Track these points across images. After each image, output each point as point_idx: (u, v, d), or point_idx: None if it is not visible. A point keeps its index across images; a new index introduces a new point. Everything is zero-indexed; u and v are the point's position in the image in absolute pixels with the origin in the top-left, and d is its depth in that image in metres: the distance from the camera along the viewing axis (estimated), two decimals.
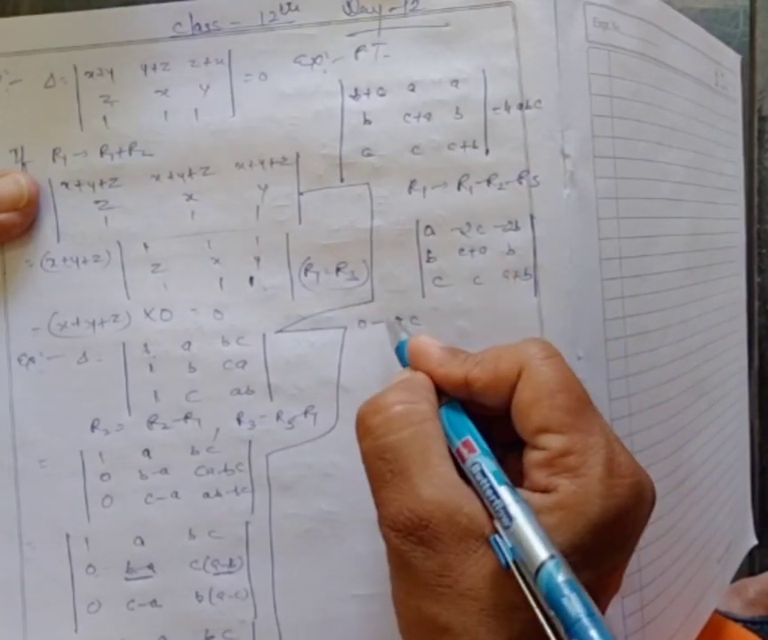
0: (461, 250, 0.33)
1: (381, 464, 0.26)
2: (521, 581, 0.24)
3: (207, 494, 0.33)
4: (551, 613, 0.23)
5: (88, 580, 0.33)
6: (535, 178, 0.32)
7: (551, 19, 0.33)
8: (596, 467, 0.25)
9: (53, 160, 0.33)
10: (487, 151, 0.33)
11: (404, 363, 0.31)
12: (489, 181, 0.32)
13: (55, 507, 0.33)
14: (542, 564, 0.23)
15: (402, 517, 0.25)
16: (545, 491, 0.25)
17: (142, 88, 0.33)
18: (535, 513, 0.25)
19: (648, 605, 0.35)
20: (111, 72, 0.33)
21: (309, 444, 0.33)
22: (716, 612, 0.43)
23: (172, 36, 0.33)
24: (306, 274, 0.33)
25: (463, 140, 0.33)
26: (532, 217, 0.32)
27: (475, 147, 0.33)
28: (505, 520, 0.24)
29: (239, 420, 0.33)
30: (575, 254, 0.33)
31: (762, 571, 0.51)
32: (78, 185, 0.34)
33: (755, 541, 0.48)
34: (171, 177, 0.33)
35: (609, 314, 0.34)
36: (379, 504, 0.27)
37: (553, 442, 0.26)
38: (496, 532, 0.25)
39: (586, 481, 0.25)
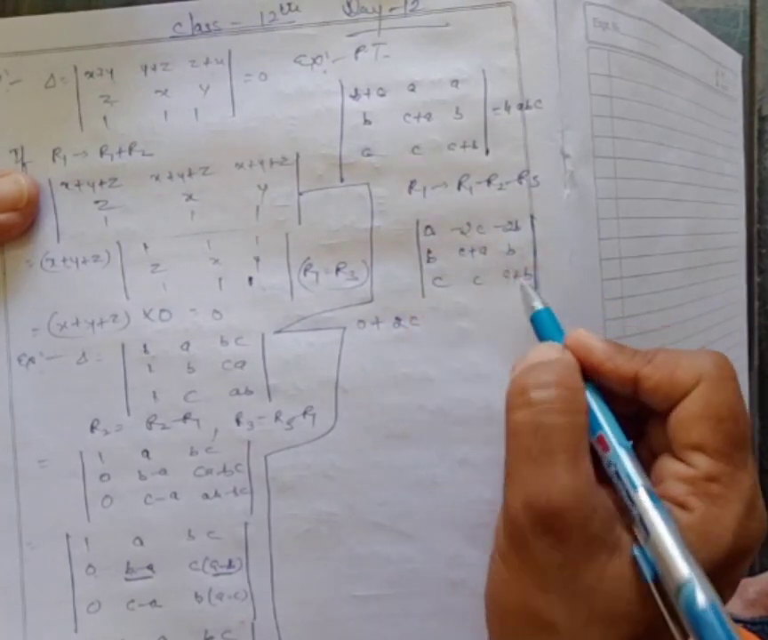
0: (461, 250, 0.33)
1: (533, 440, 0.26)
2: (656, 595, 0.23)
3: (206, 495, 0.33)
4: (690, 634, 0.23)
5: (88, 580, 0.33)
6: (535, 178, 0.32)
7: (551, 19, 0.33)
8: (737, 503, 0.25)
9: (53, 160, 0.34)
10: (487, 151, 0.32)
11: (540, 334, 0.30)
12: (489, 181, 0.32)
13: (55, 507, 0.33)
14: (685, 583, 0.23)
15: (540, 500, 0.25)
16: (680, 506, 0.25)
17: (142, 88, 0.33)
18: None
19: None
20: (111, 72, 0.33)
21: (308, 444, 0.33)
22: None
23: (172, 36, 0.33)
24: (305, 274, 0.33)
25: (463, 139, 0.33)
26: (532, 217, 0.32)
27: (475, 147, 0.33)
28: (643, 532, 0.24)
29: (238, 421, 0.33)
30: (575, 254, 0.33)
31: (762, 571, 0.51)
32: (78, 185, 0.34)
33: None
34: (170, 177, 0.33)
35: (609, 314, 0.34)
36: (516, 477, 0.26)
37: (702, 463, 0.25)
38: (636, 541, 0.24)
39: (724, 513, 0.25)
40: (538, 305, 0.31)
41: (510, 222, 0.32)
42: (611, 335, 0.34)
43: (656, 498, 0.25)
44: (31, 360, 0.34)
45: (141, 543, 0.33)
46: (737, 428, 0.26)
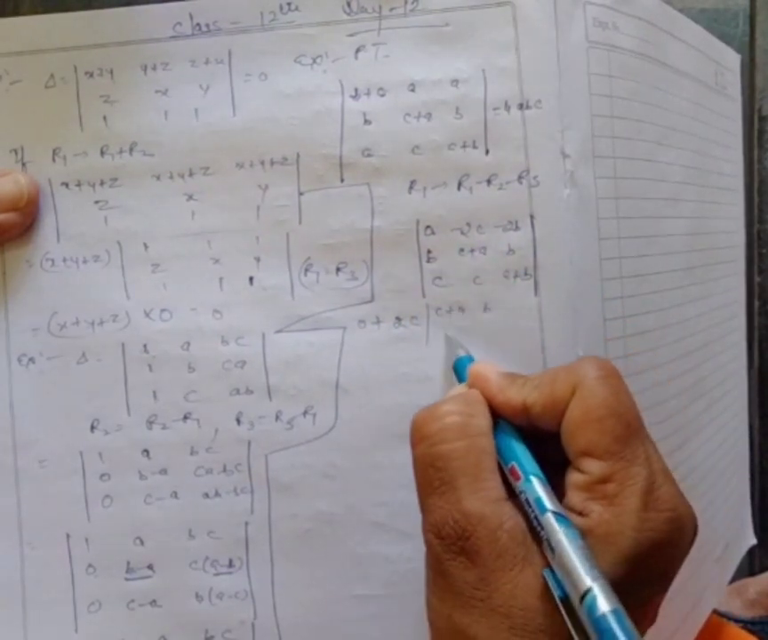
0: (461, 250, 0.33)
1: (432, 472, 0.27)
2: (564, 613, 0.24)
3: (206, 495, 0.33)
4: None
5: (88, 580, 0.33)
6: (535, 178, 0.32)
7: (551, 19, 0.33)
8: (633, 498, 0.25)
9: (53, 160, 0.33)
10: (487, 151, 0.33)
11: (460, 379, 0.31)
12: (489, 181, 0.32)
13: (55, 507, 0.33)
14: (586, 592, 0.23)
15: (446, 526, 0.26)
16: (579, 514, 0.26)
17: (142, 88, 0.33)
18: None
19: None
20: (111, 72, 0.33)
21: (308, 444, 0.33)
22: (717, 612, 0.43)
23: (172, 36, 0.33)
24: (306, 274, 0.33)
25: (463, 140, 0.33)
26: (531, 217, 0.32)
27: (475, 147, 0.33)
28: (549, 552, 0.25)
29: (238, 421, 0.33)
30: (575, 254, 0.33)
31: (762, 571, 0.51)
32: (78, 185, 0.34)
33: (753, 541, 0.48)
34: (171, 177, 0.33)
35: (609, 314, 0.34)
36: (425, 510, 0.27)
37: (594, 467, 0.26)
38: (548, 563, 0.25)
39: (620, 510, 0.25)
40: (460, 352, 0.31)
41: (510, 222, 0.32)
42: (611, 335, 0.34)
43: (563, 519, 0.25)
44: (31, 360, 0.34)
45: (141, 543, 0.33)
46: (620, 424, 0.26)
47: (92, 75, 0.33)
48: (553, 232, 0.32)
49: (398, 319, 0.33)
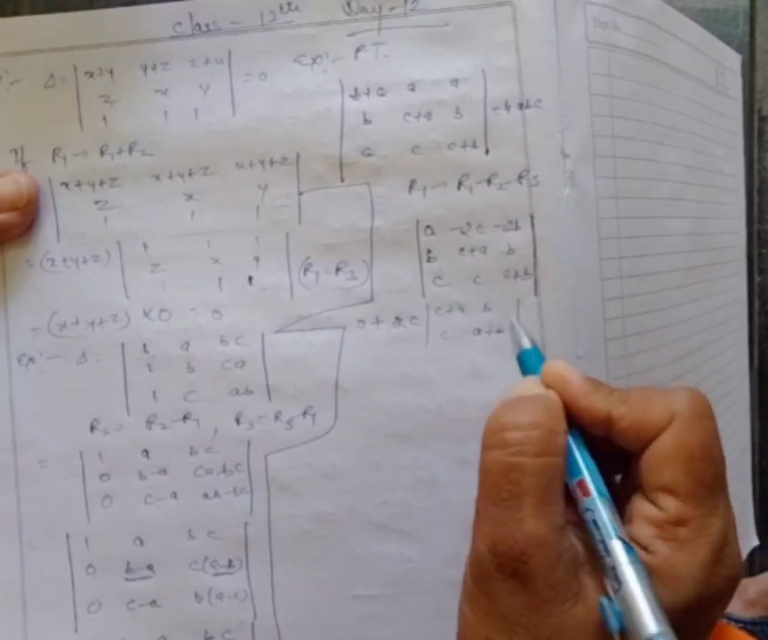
0: (461, 250, 0.33)
1: (503, 482, 0.25)
2: None
3: (206, 495, 0.33)
4: None
5: (88, 580, 0.33)
6: (535, 178, 0.32)
7: (551, 19, 0.33)
8: (705, 549, 0.24)
9: (53, 160, 0.34)
10: (487, 151, 0.32)
11: (524, 371, 0.29)
12: (489, 181, 0.32)
13: (55, 507, 0.34)
14: (650, 638, 0.22)
15: (504, 544, 0.24)
16: (644, 549, 0.25)
17: (142, 88, 0.33)
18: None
19: None
20: (111, 72, 0.33)
21: (308, 444, 0.33)
22: None
23: (172, 36, 0.33)
24: (305, 274, 0.33)
25: (463, 139, 0.33)
26: (531, 217, 0.32)
27: (475, 146, 0.33)
28: (614, 583, 0.24)
29: (238, 421, 0.33)
30: (575, 254, 0.33)
31: (762, 571, 0.51)
32: (78, 185, 0.34)
33: (755, 542, 0.48)
34: (171, 177, 0.33)
35: (609, 313, 0.34)
36: (483, 518, 0.25)
37: (671, 506, 0.25)
38: (602, 588, 0.24)
39: (690, 559, 0.24)
40: (526, 344, 0.30)
41: (510, 222, 0.32)
42: (611, 335, 0.34)
43: (631, 550, 0.24)
44: (31, 360, 0.34)
45: (141, 543, 0.33)
46: (710, 470, 0.25)
47: (91, 74, 0.33)
48: (553, 232, 0.32)
49: (398, 319, 0.33)
